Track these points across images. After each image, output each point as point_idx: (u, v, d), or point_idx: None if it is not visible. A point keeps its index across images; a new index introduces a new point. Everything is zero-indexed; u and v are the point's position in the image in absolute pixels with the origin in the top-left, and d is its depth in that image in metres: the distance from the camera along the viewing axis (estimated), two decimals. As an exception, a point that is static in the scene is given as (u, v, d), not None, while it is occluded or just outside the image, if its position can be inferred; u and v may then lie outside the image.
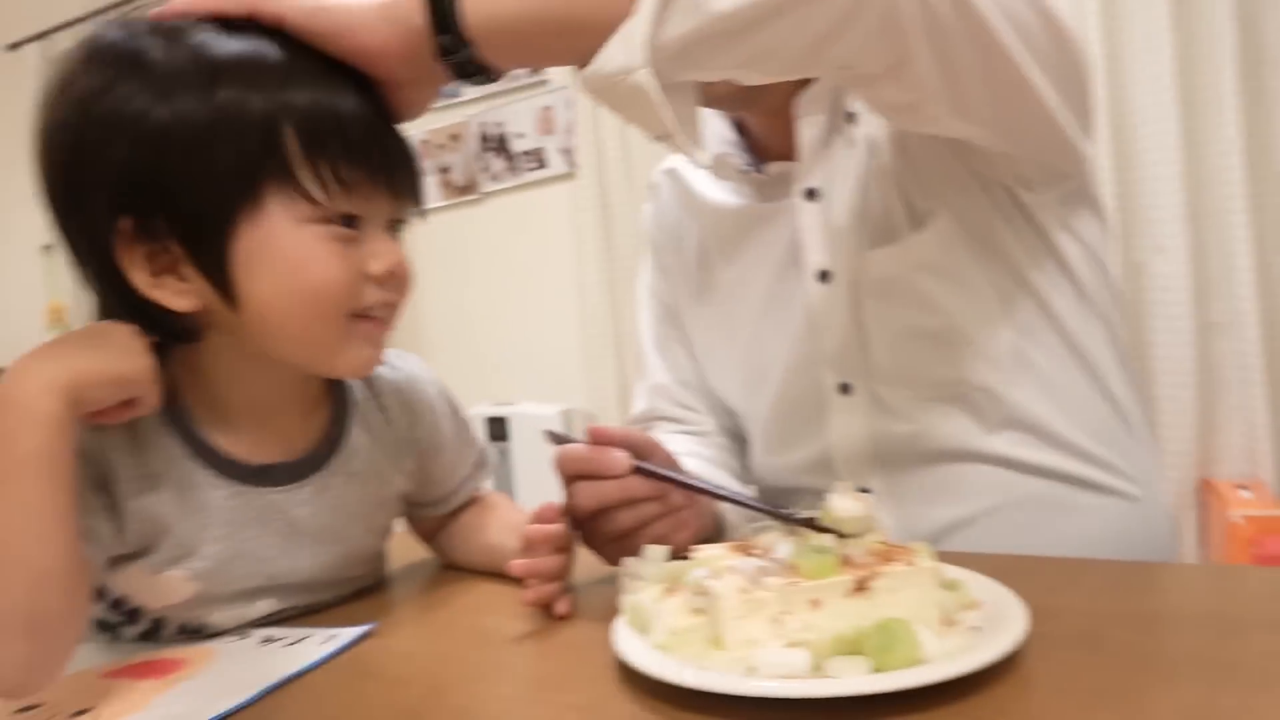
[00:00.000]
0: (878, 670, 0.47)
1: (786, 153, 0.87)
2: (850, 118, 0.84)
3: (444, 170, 2.89)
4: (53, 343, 0.57)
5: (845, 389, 0.87)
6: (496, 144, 2.82)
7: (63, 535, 0.55)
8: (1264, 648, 0.50)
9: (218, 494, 0.66)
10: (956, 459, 0.85)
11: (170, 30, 0.59)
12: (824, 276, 0.86)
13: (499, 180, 2.83)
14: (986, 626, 0.52)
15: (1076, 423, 0.84)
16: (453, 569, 0.84)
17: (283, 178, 0.58)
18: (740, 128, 0.92)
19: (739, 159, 0.88)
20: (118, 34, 0.60)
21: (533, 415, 2.62)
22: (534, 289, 2.83)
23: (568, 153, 2.71)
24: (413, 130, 0.66)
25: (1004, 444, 0.84)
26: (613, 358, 2.62)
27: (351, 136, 0.60)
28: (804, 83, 0.83)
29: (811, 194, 0.86)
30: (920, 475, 0.85)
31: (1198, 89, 2.04)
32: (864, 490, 0.87)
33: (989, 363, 0.83)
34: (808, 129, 0.84)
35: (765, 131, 0.88)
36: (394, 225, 0.65)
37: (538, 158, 2.77)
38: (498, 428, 2.62)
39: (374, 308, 0.63)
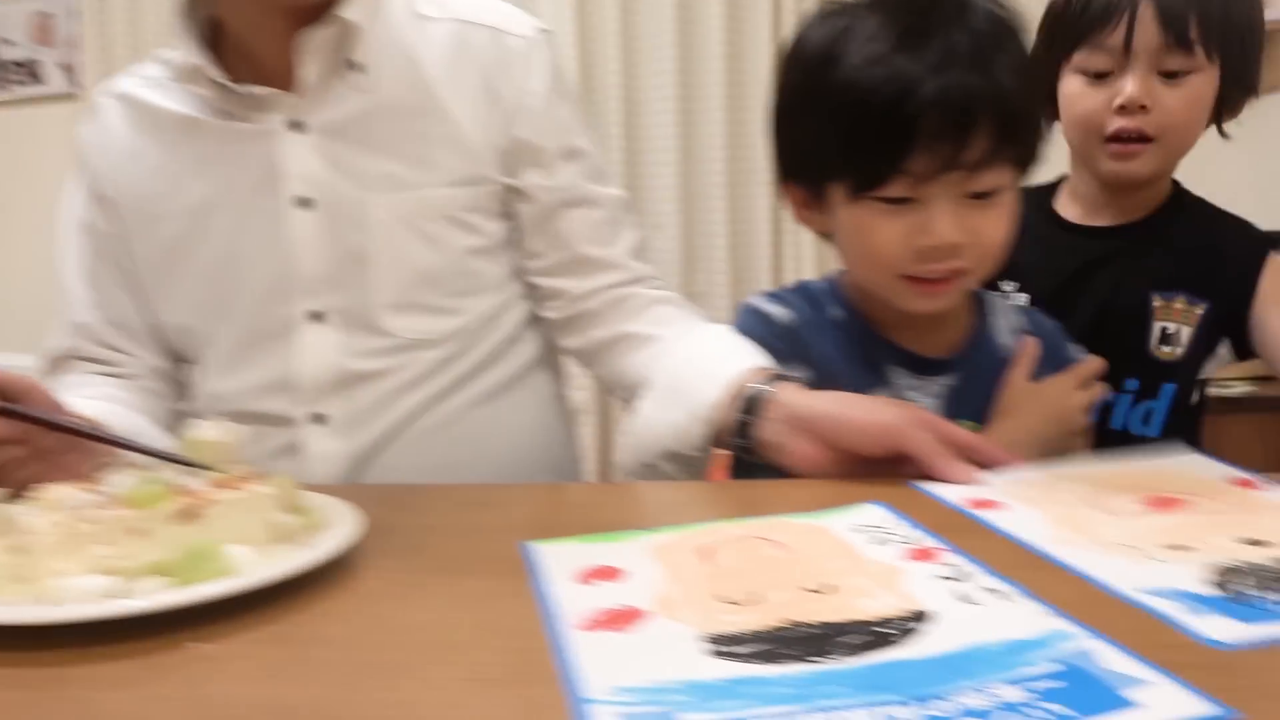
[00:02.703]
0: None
1: (266, 78, 0.88)
2: (352, 65, 0.88)
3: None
4: None
5: (318, 316, 0.90)
6: (-23, 48, 2.39)
7: None
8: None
9: None
10: (411, 388, 0.91)
11: None
12: (305, 203, 0.89)
13: (-21, 92, 2.41)
14: (321, 543, 0.56)
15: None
16: None
17: None
18: (216, 44, 0.90)
19: (216, 72, 0.87)
20: None
21: None
22: (10, 220, 2.44)
23: (70, 70, 2.38)
24: None
25: (455, 374, 0.93)
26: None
27: None
28: (311, 15, 0.86)
29: (298, 125, 0.89)
30: (379, 403, 0.91)
31: (693, 87, 2.35)
32: (320, 415, 0.91)
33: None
34: (310, 64, 0.87)
35: (264, 52, 0.88)
36: None
37: (31, 71, 2.40)
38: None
39: None
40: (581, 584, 0.52)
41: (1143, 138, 0.96)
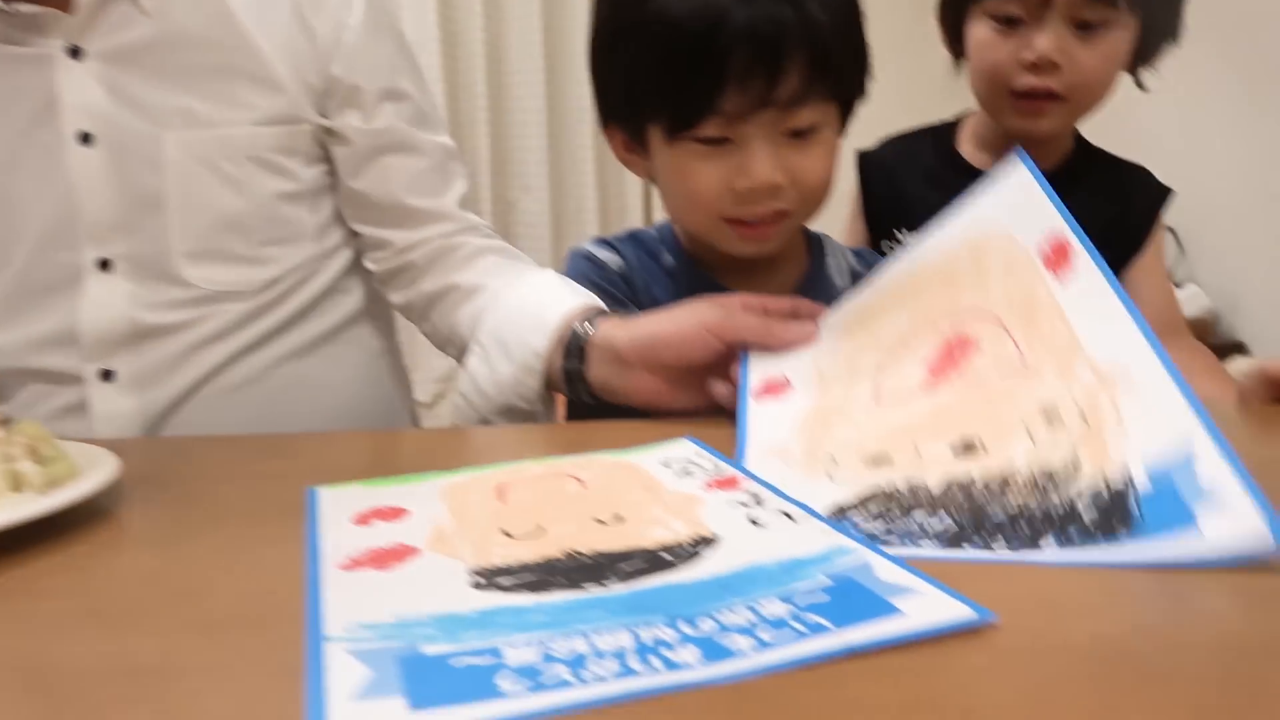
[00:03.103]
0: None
1: None
2: None
3: None
4: None
5: (105, 265, 0.83)
6: None
7: None
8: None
9: None
10: (212, 342, 0.85)
11: None
12: (87, 139, 0.81)
13: None
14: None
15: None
16: None
17: None
18: None
19: None
20: None
21: None
22: None
23: None
24: None
25: (265, 327, 0.88)
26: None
27: None
28: None
29: (77, 52, 0.81)
30: (175, 359, 0.85)
31: (561, 43, 2.30)
32: (108, 372, 0.83)
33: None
34: None
35: None
36: None
37: None
38: None
39: None
40: (358, 525, 0.49)
41: (1051, 95, 0.92)
